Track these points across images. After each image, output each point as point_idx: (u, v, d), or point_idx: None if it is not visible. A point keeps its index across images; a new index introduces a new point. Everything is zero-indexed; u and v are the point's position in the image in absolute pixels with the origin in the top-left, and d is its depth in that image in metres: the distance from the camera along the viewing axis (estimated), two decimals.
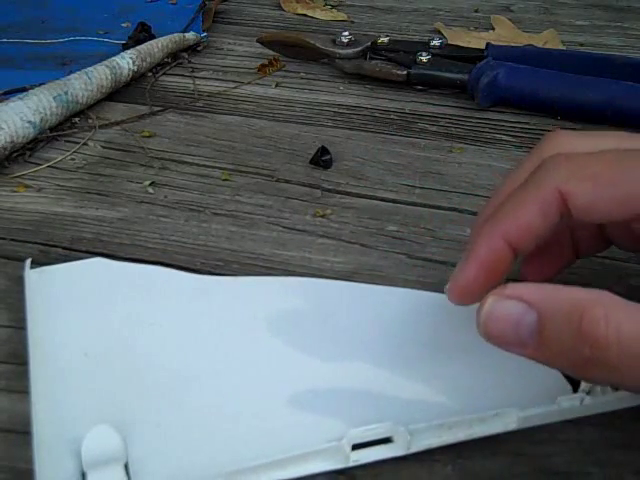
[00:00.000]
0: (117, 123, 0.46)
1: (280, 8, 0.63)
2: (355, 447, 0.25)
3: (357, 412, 0.26)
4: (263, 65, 0.52)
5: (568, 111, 0.46)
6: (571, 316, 0.22)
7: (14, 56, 0.53)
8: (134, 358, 0.28)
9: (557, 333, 0.23)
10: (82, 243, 0.36)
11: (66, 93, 0.44)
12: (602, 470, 0.26)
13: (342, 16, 0.62)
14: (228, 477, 0.24)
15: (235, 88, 0.50)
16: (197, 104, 0.48)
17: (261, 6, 0.64)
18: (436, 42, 0.51)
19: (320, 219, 0.38)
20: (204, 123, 0.46)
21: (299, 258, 0.35)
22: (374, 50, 0.51)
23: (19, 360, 0.29)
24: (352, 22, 0.61)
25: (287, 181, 0.41)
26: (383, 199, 0.39)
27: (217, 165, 0.42)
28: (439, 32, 0.58)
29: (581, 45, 0.57)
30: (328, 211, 0.38)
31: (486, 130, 0.46)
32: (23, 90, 0.44)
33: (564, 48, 0.56)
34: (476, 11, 0.63)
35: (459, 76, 0.48)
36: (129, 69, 0.49)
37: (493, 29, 0.59)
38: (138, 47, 0.50)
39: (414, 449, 0.25)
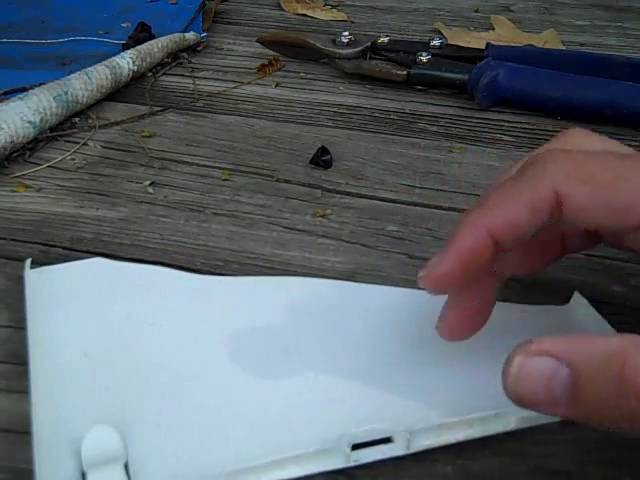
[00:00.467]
0: (117, 123, 0.46)
1: (280, 8, 0.63)
2: (355, 447, 0.25)
3: (357, 412, 0.26)
4: (263, 65, 0.52)
5: (568, 111, 0.46)
6: (609, 365, 0.20)
7: (14, 56, 0.53)
8: (134, 358, 0.28)
9: (594, 386, 0.20)
10: (82, 243, 0.35)
11: (66, 93, 0.44)
12: (602, 470, 0.26)
13: (342, 16, 0.62)
14: (228, 477, 0.24)
15: (235, 88, 0.50)
16: (197, 104, 0.48)
17: (261, 6, 0.64)
18: (436, 42, 0.51)
19: (320, 219, 0.38)
20: (204, 123, 0.46)
21: (299, 258, 0.35)
22: (374, 50, 0.51)
23: (19, 360, 0.29)
24: (352, 22, 0.61)
25: (287, 181, 0.41)
26: (383, 199, 0.39)
27: (217, 165, 0.42)
28: (439, 32, 0.58)
29: (581, 45, 0.57)
30: (328, 211, 0.38)
31: (486, 130, 0.46)
32: (23, 90, 0.44)
33: (564, 48, 0.56)
34: (476, 11, 0.63)
35: (459, 76, 0.48)
36: (129, 69, 0.49)
37: (493, 29, 0.59)
38: (138, 47, 0.50)
39: (414, 449, 0.25)
